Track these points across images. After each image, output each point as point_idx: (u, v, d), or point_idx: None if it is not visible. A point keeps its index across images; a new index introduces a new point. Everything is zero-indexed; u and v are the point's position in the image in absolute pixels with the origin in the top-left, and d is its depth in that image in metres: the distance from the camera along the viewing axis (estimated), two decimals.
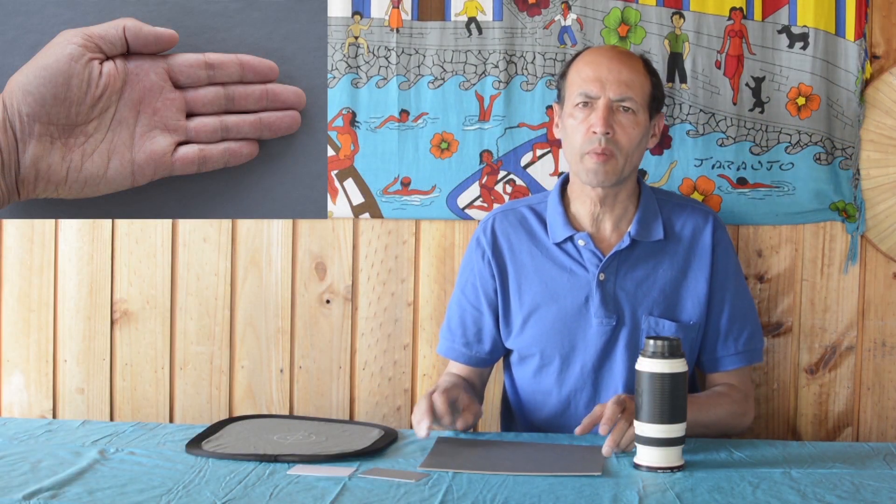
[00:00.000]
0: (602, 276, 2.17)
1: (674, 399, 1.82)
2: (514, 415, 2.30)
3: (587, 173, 2.13)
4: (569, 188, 2.24)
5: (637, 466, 1.84)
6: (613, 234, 2.21)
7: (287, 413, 2.58)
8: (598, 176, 2.12)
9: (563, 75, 2.22)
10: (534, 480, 1.78)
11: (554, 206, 2.24)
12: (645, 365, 1.84)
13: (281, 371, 2.58)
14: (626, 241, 2.17)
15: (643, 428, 1.83)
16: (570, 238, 2.20)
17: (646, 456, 1.83)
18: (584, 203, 2.21)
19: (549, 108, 2.45)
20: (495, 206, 2.49)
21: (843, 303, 2.49)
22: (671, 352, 1.83)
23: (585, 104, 2.13)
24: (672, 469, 1.82)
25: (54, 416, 2.62)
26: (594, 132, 2.10)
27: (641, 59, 2.20)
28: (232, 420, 2.17)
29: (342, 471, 1.82)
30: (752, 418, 2.24)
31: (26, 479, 1.77)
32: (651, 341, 1.84)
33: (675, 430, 1.83)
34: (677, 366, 1.83)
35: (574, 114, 2.14)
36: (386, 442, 1.98)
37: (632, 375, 1.91)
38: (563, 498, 1.69)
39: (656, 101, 2.19)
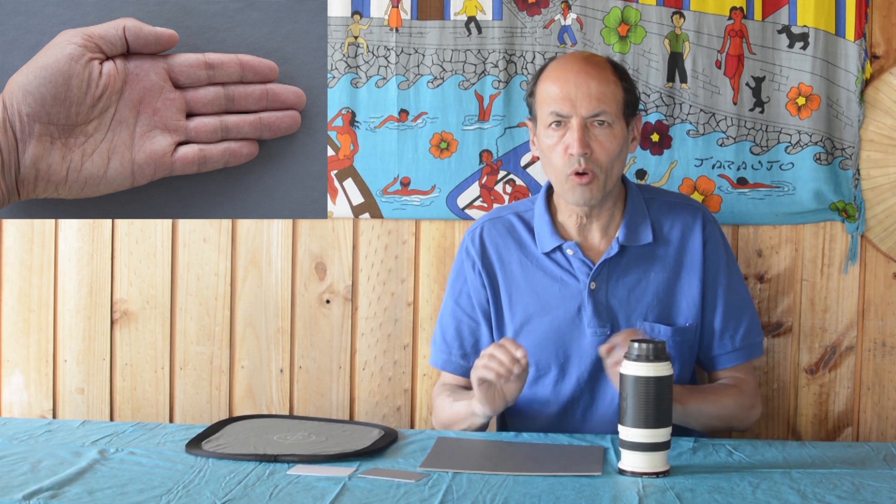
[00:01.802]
0: (593, 285, 2.13)
1: (659, 403, 1.79)
2: (511, 422, 2.25)
3: (571, 195, 2.10)
4: (554, 197, 2.20)
5: (622, 472, 1.82)
6: (602, 241, 2.17)
7: (287, 413, 2.58)
8: (584, 197, 2.08)
9: (532, 93, 2.15)
10: (534, 480, 1.78)
11: (540, 214, 2.20)
12: (629, 368, 1.80)
13: (281, 371, 2.58)
14: (615, 249, 2.13)
15: (627, 432, 1.80)
16: (559, 247, 2.16)
17: (630, 461, 1.81)
18: (570, 214, 2.17)
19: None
20: (495, 205, 2.49)
21: (843, 303, 2.49)
22: (656, 355, 1.79)
23: (558, 123, 2.07)
24: (657, 474, 1.80)
25: (54, 416, 2.62)
26: (571, 153, 2.05)
27: (610, 63, 2.12)
28: (232, 420, 2.17)
29: (342, 471, 1.82)
30: (760, 412, 2.20)
31: (26, 479, 1.76)
32: (636, 344, 1.80)
33: (661, 434, 1.79)
34: (662, 369, 1.79)
35: (548, 134, 2.08)
36: (386, 442, 1.98)
37: None
38: (563, 498, 1.69)
39: (631, 106, 2.11)
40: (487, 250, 2.22)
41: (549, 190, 2.21)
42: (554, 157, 2.08)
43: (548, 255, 2.18)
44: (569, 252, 2.15)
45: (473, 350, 2.23)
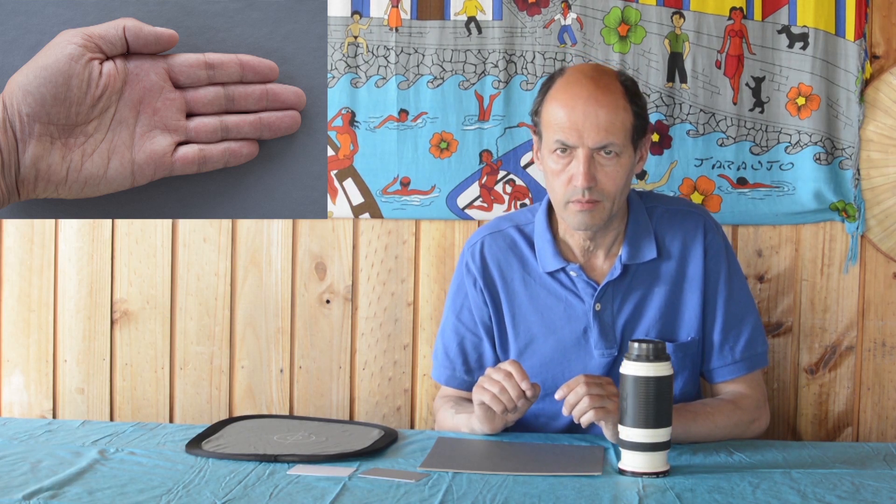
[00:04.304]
0: (598, 307, 2.09)
1: (659, 403, 1.79)
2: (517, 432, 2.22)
3: (573, 221, 2.04)
4: (556, 213, 2.14)
5: (622, 472, 1.82)
6: (605, 261, 2.12)
7: (287, 413, 2.58)
8: (586, 224, 2.03)
9: (537, 112, 2.07)
10: (534, 480, 1.78)
11: (542, 233, 2.15)
12: (629, 368, 1.79)
13: (281, 371, 2.58)
14: (618, 270, 2.09)
15: (627, 432, 1.80)
16: (562, 268, 2.12)
17: (630, 461, 1.81)
18: (572, 235, 2.12)
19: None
20: (494, 206, 2.50)
21: (843, 303, 2.49)
22: (656, 355, 1.79)
23: (564, 150, 2.00)
24: (657, 474, 1.80)
25: (54, 416, 2.62)
26: (575, 185, 1.99)
27: (621, 84, 2.03)
28: (232, 420, 2.17)
29: (342, 471, 1.82)
30: (767, 423, 2.13)
31: (26, 479, 1.77)
32: (636, 344, 1.80)
33: (660, 434, 1.79)
34: (662, 369, 1.79)
35: (553, 158, 2.02)
36: (386, 442, 1.98)
37: None
38: (563, 498, 1.69)
39: (640, 130, 2.04)
40: (489, 267, 2.18)
41: (550, 204, 2.16)
42: (557, 183, 2.03)
43: (551, 273, 2.13)
44: (572, 273, 2.11)
45: (478, 365, 2.19)
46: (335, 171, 2.52)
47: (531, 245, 2.17)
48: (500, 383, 1.93)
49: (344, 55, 2.50)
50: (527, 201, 2.50)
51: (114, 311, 2.61)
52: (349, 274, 2.56)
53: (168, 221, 2.58)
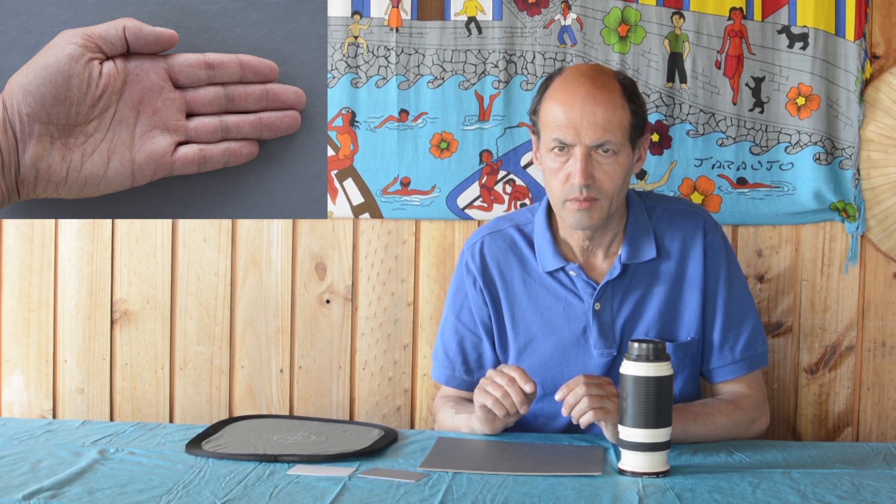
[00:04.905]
0: (597, 306, 2.10)
1: (659, 403, 1.79)
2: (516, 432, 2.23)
3: (571, 220, 2.05)
4: (555, 213, 2.14)
5: (622, 472, 1.82)
6: (605, 260, 2.13)
7: (287, 413, 2.58)
8: (583, 223, 2.04)
9: (535, 111, 2.08)
10: (534, 480, 1.78)
11: (541, 232, 2.15)
12: (629, 368, 1.79)
13: (281, 371, 2.58)
14: (618, 269, 2.09)
15: (627, 432, 1.80)
16: (562, 268, 2.13)
17: (630, 461, 1.81)
18: (571, 235, 2.12)
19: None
20: (494, 206, 2.50)
21: (843, 303, 2.49)
22: (656, 355, 1.79)
23: (561, 149, 2.01)
24: (657, 474, 1.80)
25: (54, 416, 2.62)
26: (573, 183, 2.00)
27: (619, 83, 2.04)
28: (232, 420, 2.17)
29: (342, 471, 1.82)
30: (767, 423, 2.13)
31: (26, 479, 1.77)
32: (636, 344, 1.80)
33: (660, 434, 1.79)
34: (662, 369, 1.79)
35: (551, 157, 2.03)
36: (386, 442, 1.98)
37: None
38: (563, 498, 1.69)
39: (638, 129, 2.05)
40: (488, 266, 2.18)
41: (550, 204, 2.15)
42: (555, 181, 2.04)
43: (550, 273, 2.14)
44: (571, 273, 2.12)
45: (477, 365, 2.19)
46: (335, 171, 2.52)
47: (531, 245, 2.17)
48: (503, 388, 1.93)
49: (344, 55, 2.50)
50: (527, 201, 2.50)
51: (114, 311, 2.61)
52: (349, 274, 2.56)
53: (168, 221, 2.58)
